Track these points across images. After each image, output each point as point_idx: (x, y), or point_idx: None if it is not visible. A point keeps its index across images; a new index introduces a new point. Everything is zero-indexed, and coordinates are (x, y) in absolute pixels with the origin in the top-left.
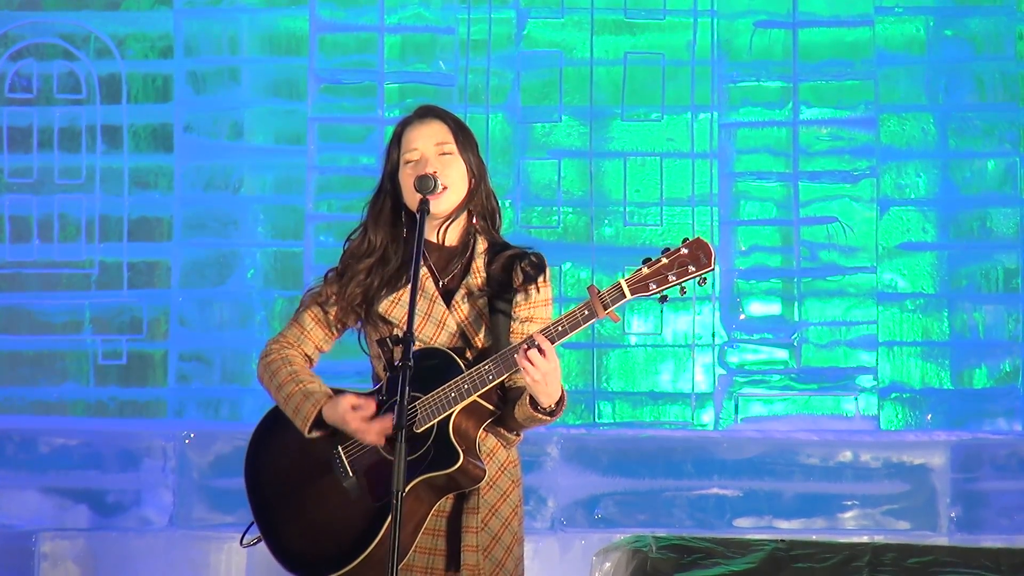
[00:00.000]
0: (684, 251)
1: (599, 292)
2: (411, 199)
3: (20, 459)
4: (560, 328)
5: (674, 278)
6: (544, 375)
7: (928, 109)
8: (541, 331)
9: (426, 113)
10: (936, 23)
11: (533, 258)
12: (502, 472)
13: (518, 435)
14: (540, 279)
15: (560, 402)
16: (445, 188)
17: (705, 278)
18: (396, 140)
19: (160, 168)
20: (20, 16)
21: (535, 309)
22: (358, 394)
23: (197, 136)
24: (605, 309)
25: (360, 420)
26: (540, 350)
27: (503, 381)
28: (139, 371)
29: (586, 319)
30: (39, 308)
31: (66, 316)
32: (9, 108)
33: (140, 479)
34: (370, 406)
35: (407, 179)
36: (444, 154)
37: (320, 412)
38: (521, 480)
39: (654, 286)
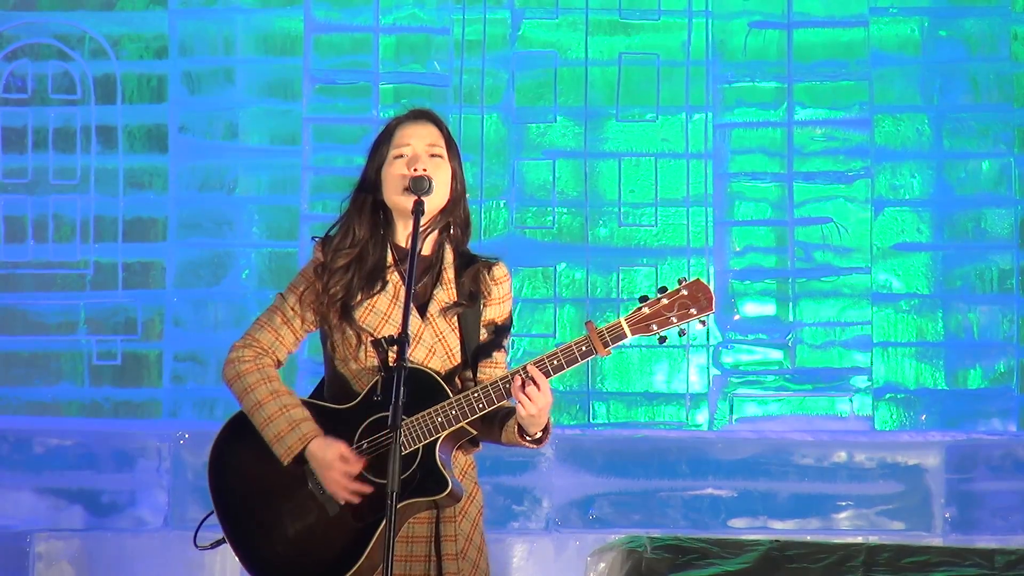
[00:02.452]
0: (684, 292)
1: (598, 329)
2: (392, 194)
3: (15, 459)
4: (556, 362)
5: (675, 319)
6: (540, 409)
7: (923, 110)
8: (535, 363)
9: (421, 115)
10: (931, 24)
11: (493, 265)
12: (464, 476)
13: (478, 445)
14: (495, 280)
15: (546, 430)
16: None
17: (704, 320)
18: (387, 136)
19: (155, 168)
20: (15, 16)
21: (491, 308)
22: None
23: (192, 136)
24: (605, 347)
25: (343, 475)
26: (536, 385)
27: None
28: (134, 371)
29: (584, 355)
30: (34, 308)
31: (61, 316)
32: (4, 108)
33: (135, 479)
34: (358, 466)
35: (393, 172)
36: (435, 155)
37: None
38: (478, 478)
39: (655, 327)
